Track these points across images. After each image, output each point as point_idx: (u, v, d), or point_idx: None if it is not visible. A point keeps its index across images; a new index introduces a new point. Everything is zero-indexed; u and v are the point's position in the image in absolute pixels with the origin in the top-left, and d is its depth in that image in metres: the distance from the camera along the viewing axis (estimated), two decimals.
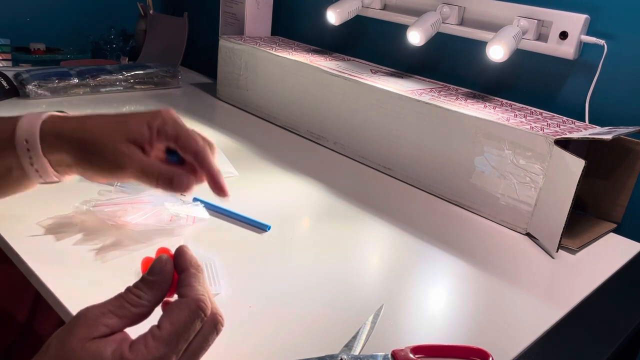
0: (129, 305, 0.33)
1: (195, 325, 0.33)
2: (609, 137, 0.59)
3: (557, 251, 0.62)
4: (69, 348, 0.31)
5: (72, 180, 0.66)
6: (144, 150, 0.45)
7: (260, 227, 0.60)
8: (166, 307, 0.33)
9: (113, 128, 0.44)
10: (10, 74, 0.98)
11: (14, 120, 0.45)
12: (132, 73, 1.08)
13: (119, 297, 0.33)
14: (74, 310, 0.42)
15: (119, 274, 0.48)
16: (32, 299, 0.72)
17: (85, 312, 0.32)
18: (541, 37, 0.79)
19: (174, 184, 0.44)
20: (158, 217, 0.56)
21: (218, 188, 0.46)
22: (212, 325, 0.34)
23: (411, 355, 0.41)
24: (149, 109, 0.47)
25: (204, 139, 0.47)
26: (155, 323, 0.32)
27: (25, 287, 0.69)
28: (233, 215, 0.61)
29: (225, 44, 1.06)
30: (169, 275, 0.35)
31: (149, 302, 0.33)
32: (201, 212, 0.59)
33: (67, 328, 0.32)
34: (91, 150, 0.44)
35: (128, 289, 0.33)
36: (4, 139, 0.45)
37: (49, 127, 0.45)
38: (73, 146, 0.45)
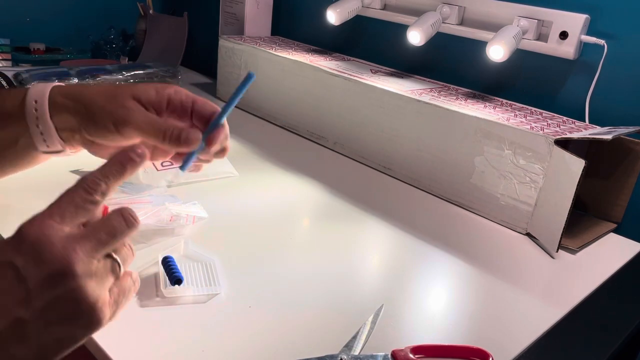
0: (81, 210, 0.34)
1: (122, 229, 0.35)
2: (609, 137, 0.59)
3: (557, 251, 0.62)
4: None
5: (73, 180, 0.66)
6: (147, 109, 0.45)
7: (247, 81, 0.51)
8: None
9: (119, 88, 0.45)
10: (10, 74, 0.98)
11: (25, 90, 0.46)
12: (132, 73, 1.08)
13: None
14: None
15: None
16: None
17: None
18: (541, 37, 0.79)
19: (181, 139, 0.44)
20: (158, 216, 0.56)
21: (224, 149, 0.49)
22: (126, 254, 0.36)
23: (411, 355, 0.41)
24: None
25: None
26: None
27: None
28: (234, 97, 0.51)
29: (225, 44, 1.06)
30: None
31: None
32: (201, 211, 0.59)
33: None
34: (96, 107, 0.45)
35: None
36: (14, 106, 0.46)
37: (57, 89, 0.46)
38: (79, 105, 0.45)
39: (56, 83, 0.47)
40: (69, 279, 0.31)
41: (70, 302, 0.31)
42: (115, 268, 0.35)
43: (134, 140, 0.45)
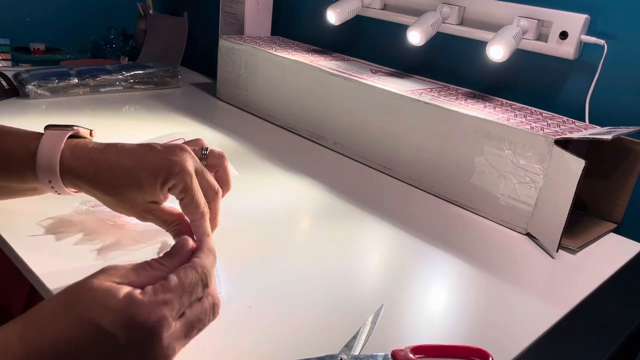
0: (149, 266, 0.36)
1: (198, 288, 0.36)
2: (609, 137, 0.59)
3: (557, 251, 0.62)
4: (82, 285, 0.33)
5: None
6: (157, 202, 0.48)
7: None
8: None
9: (128, 187, 0.46)
10: (9, 74, 0.98)
11: (29, 149, 0.47)
12: (132, 73, 1.08)
13: (142, 262, 0.36)
14: None
15: None
16: (26, 295, 0.72)
17: (106, 267, 0.34)
18: (541, 37, 0.79)
19: (175, 239, 0.46)
20: None
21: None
22: (211, 304, 0.37)
23: (411, 355, 0.41)
24: (163, 143, 0.48)
25: (218, 182, 0.50)
26: None
27: (20, 283, 0.70)
28: None
29: (225, 44, 1.06)
30: (188, 254, 0.39)
31: (167, 268, 0.36)
32: None
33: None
34: (109, 202, 0.48)
35: (152, 259, 0.37)
36: (24, 164, 0.47)
37: (66, 169, 0.47)
38: (92, 194, 0.48)
39: (60, 151, 0.46)
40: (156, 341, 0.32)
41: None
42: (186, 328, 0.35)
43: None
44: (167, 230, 0.48)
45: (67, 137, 0.47)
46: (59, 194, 0.49)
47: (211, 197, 0.48)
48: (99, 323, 0.31)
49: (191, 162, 0.46)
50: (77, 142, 0.48)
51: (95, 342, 0.31)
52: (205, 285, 0.36)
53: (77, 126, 0.49)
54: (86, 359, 0.31)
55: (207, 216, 0.47)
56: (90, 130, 0.52)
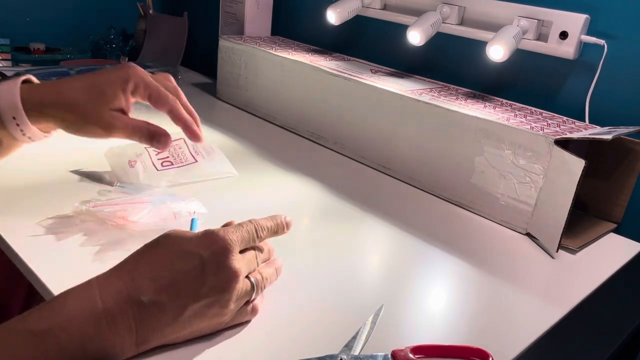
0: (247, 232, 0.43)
1: (252, 226, 0.44)
2: (609, 137, 0.59)
3: (557, 251, 0.62)
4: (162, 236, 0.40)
5: (72, 180, 0.66)
6: (123, 111, 0.53)
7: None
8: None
9: (93, 98, 0.51)
10: (10, 74, 0.98)
11: None
12: None
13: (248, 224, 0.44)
14: None
15: None
16: (24, 294, 0.73)
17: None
18: (541, 37, 0.79)
19: (153, 142, 0.53)
20: (158, 216, 0.56)
21: (193, 135, 0.56)
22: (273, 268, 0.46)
23: (411, 355, 0.41)
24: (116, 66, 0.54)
25: (173, 88, 0.56)
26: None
27: (19, 283, 0.70)
28: None
29: (225, 44, 1.06)
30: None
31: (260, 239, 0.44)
32: (200, 207, 0.59)
33: None
34: (76, 121, 0.51)
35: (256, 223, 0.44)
36: None
37: (29, 102, 0.50)
38: (58, 118, 0.51)
39: (18, 88, 0.50)
40: (230, 291, 0.39)
41: (219, 306, 0.39)
42: (251, 288, 0.42)
43: (115, 137, 0.53)
44: (136, 139, 0.52)
45: (21, 81, 0.51)
46: (25, 135, 0.51)
47: (174, 94, 0.55)
48: (201, 256, 0.39)
49: (142, 70, 0.54)
50: (32, 84, 0.53)
51: (194, 272, 0.38)
52: (258, 229, 0.44)
53: (29, 76, 0.53)
54: (184, 277, 0.38)
55: (179, 104, 0.54)
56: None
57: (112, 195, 0.60)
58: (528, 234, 0.67)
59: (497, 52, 0.74)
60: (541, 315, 0.51)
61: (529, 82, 0.84)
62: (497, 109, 0.75)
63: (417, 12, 0.89)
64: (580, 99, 0.78)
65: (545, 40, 0.78)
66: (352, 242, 0.61)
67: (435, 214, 0.71)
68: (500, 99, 0.83)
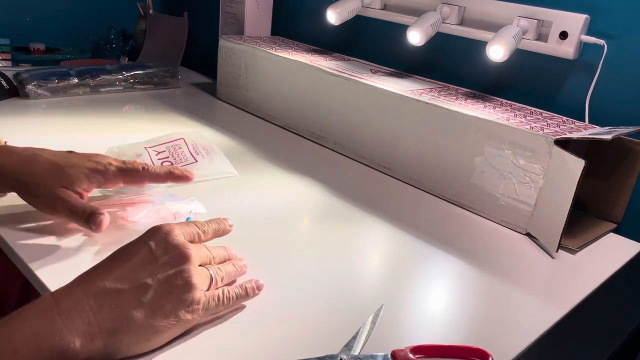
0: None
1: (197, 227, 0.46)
2: (609, 137, 0.59)
3: (557, 251, 0.62)
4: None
5: None
6: (80, 194, 0.53)
7: None
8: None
9: (52, 174, 0.52)
10: (9, 74, 0.98)
11: None
12: (132, 73, 1.08)
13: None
14: None
15: None
16: (18, 291, 0.73)
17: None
18: (541, 37, 0.79)
19: (89, 223, 0.51)
20: (158, 216, 0.56)
21: (182, 177, 0.58)
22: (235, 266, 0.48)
23: (411, 355, 0.41)
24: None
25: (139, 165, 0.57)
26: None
27: (12, 283, 0.70)
28: None
29: (225, 44, 1.06)
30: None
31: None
32: (199, 207, 0.59)
33: None
34: (29, 191, 0.52)
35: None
36: None
37: None
38: (12, 185, 0.52)
39: None
40: (185, 262, 0.41)
41: (181, 279, 0.40)
42: (210, 277, 0.44)
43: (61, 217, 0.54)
44: (78, 219, 0.51)
45: None
46: None
47: (140, 167, 0.56)
48: (149, 244, 0.41)
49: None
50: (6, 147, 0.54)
51: (145, 258, 0.40)
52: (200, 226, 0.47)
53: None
54: (137, 264, 0.40)
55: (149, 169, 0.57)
56: (5, 142, 0.58)
57: (112, 195, 0.60)
58: (528, 234, 0.67)
59: (497, 52, 0.74)
60: (541, 315, 0.51)
61: (528, 82, 0.84)
62: (497, 109, 0.75)
63: (417, 12, 0.89)
64: (580, 99, 0.78)
65: (545, 40, 0.78)
66: (352, 242, 0.61)
67: (435, 214, 0.71)
68: (500, 99, 0.83)
